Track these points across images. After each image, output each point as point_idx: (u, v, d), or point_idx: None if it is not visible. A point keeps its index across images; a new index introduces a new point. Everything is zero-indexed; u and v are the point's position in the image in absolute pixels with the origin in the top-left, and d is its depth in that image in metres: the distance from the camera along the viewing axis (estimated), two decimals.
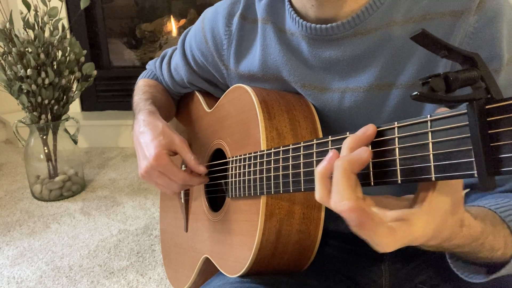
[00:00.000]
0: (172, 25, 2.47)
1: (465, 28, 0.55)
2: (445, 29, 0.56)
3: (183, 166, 0.87)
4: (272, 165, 0.57)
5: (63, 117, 1.73)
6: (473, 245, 0.45)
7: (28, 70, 1.53)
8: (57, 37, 1.61)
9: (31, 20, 1.58)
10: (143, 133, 0.74)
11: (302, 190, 0.51)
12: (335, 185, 0.38)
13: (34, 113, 1.65)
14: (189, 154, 0.72)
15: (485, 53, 0.55)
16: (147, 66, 0.97)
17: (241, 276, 0.65)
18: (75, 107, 2.42)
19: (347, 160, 0.38)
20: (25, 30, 1.57)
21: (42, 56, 1.56)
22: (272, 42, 0.69)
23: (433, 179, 0.35)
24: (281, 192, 0.55)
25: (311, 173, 0.49)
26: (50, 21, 1.61)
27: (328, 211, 0.64)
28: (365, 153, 0.38)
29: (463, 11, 0.55)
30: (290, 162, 0.53)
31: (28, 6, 1.58)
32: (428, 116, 0.35)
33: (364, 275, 0.72)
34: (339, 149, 0.45)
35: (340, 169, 0.38)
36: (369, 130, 0.40)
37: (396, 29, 0.59)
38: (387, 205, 0.41)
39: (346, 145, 0.40)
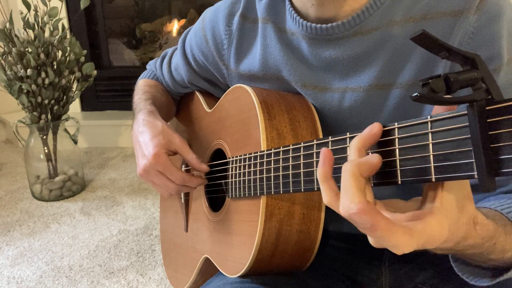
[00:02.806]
0: (172, 25, 2.47)
1: (465, 28, 0.55)
2: (445, 28, 0.56)
3: (183, 167, 0.87)
4: (272, 166, 0.57)
5: (63, 117, 1.73)
6: (486, 245, 0.43)
7: (28, 70, 1.53)
8: (57, 37, 1.61)
9: (31, 20, 1.58)
10: (142, 132, 0.74)
11: (302, 190, 0.51)
12: (344, 188, 0.37)
13: (34, 113, 1.65)
14: (190, 154, 0.72)
15: (485, 52, 0.55)
16: (147, 66, 0.97)
17: (241, 276, 0.65)
18: (75, 107, 2.42)
19: (355, 164, 0.37)
20: (25, 30, 1.57)
21: (42, 56, 1.56)
22: (272, 42, 0.69)
23: (433, 180, 0.35)
24: (281, 192, 0.55)
25: (311, 173, 0.49)
26: (50, 21, 1.61)
27: (328, 212, 0.64)
28: (375, 158, 0.37)
29: (463, 10, 0.55)
30: (290, 163, 0.53)
31: (28, 6, 1.57)
32: (429, 117, 0.35)
33: (364, 275, 0.72)
34: (339, 150, 0.45)
35: (349, 173, 0.37)
36: (374, 128, 0.39)
37: (396, 29, 0.59)
38: (396, 208, 0.40)
39: (353, 146, 0.39)
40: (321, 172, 0.41)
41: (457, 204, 0.37)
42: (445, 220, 0.36)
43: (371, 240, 0.38)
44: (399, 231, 0.34)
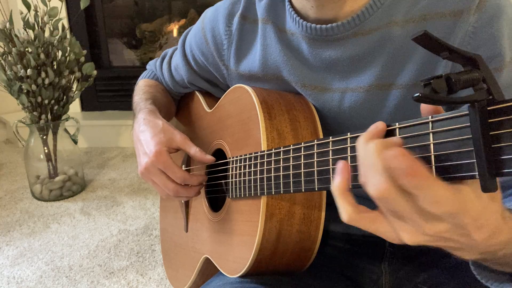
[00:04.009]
0: (172, 25, 2.47)
1: (465, 28, 0.55)
2: (445, 29, 0.56)
3: (183, 166, 0.87)
4: (273, 166, 0.57)
5: (63, 117, 1.73)
6: None
7: (28, 70, 1.53)
8: (57, 37, 1.61)
9: (31, 20, 1.58)
10: (143, 131, 0.74)
11: (303, 190, 0.51)
12: (372, 167, 0.35)
13: (34, 113, 1.65)
14: (193, 147, 0.71)
15: (486, 52, 0.55)
16: (147, 66, 0.97)
17: (241, 276, 0.65)
18: (75, 107, 2.42)
19: (379, 141, 0.35)
20: (25, 30, 1.57)
21: (42, 56, 1.56)
22: (272, 42, 0.69)
23: None
24: (281, 192, 0.55)
25: (312, 173, 0.49)
26: (50, 21, 1.60)
27: (329, 212, 0.64)
28: (398, 138, 0.36)
29: (463, 10, 0.55)
30: (291, 163, 0.53)
31: (28, 6, 1.57)
32: (430, 117, 0.35)
33: (364, 275, 0.72)
34: (340, 150, 0.45)
35: (374, 150, 0.35)
36: (379, 125, 0.38)
37: (396, 29, 0.59)
38: None
39: (362, 141, 0.38)
40: (338, 183, 0.39)
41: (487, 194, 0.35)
42: (480, 196, 0.34)
43: (404, 238, 0.36)
44: (438, 182, 0.32)
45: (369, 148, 0.36)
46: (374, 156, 0.35)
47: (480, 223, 0.35)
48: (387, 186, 0.34)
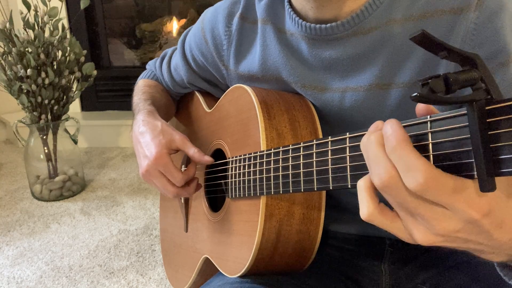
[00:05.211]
0: (172, 25, 2.47)
1: (466, 25, 0.55)
2: (445, 26, 0.56)
3: (183, 167, 0.87)
4: (272, 166, 0.57)
5: (63, 117, 1.73)
6: None
7: (28, 70, 1.53)
8: (57, 37, 1.61)
9: (31, 20, 1.58)
10: (143, 133, 0.74)
11: (302, 190, 0.51)
12: (374, 157, 0.35)
13: (34, 113, 1.65)
14: (192, 148, 0.71)
15: (490, 48, 0.54)
16: (147, 66, 0.97)
17: (241, 276, 0.65)
18: (75, 107, 2.42)
19: (380, 132, 0.36)
20: (25, 30, 1.57)
21: (42, 56, 1.56)
22: (272, 43, 0.69)
23: None
24: (280, 192, 0.55)
25: (311, 173, 0.49)
26: (50, 21, 1.61)
27: (328, 212, 0.64)
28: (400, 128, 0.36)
29: (463, 7, 0.55)
30: (290, 163, 0.53)
31: (28, 6, 1.57)
32: (428, 117, 0.34)
33: (364, 275, 0.72)
34: (339, 150, 0.44)
35: (375, 141, 0.35)
36: (379, 125, 0.38)
37: (396, 28, 0.59)
38: None
39: (365, 139, 0.38)
40: (367, 179, 0.38)
41: (503, 190, 0.33)
42: (488, 194, 0.33)
43: (417, 238, 0.35)
44: (419, 155, 0.32)
45: (371, 139, 0.36)
46: (374, 146, 0.35)
47: (499, 220, 0.34)
48: (389, 174, 0.34)
